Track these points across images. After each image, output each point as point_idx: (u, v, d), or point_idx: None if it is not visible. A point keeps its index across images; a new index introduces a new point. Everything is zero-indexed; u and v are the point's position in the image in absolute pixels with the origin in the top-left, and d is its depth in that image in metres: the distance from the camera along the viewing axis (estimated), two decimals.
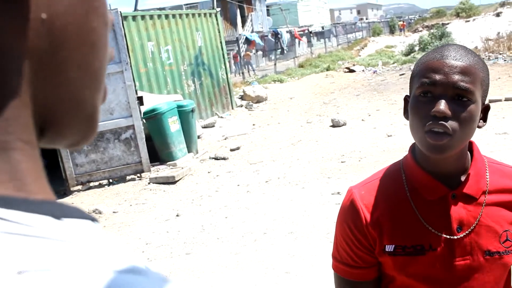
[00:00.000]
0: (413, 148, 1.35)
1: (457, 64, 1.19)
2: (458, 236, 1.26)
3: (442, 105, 1.16)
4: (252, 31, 31.11)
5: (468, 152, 1.31)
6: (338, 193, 6.35)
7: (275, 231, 5.57)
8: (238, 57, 23.10)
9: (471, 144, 1.32)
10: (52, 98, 0.38)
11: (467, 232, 1.26)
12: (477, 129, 1.24)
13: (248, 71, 22.74)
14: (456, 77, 1.18)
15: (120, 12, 8.57)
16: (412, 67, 18.16)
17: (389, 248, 1.31)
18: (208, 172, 8.51)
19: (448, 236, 1.27)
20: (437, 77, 1.18)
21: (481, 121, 1.26)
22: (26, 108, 0.36)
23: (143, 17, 10.92)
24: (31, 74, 0.36)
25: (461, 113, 1.17)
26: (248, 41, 24.98)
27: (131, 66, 8.53)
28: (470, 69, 1.19)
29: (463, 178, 1.28)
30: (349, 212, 1.36)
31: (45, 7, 0.36)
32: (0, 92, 0.35)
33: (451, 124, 1.17)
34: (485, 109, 1.28)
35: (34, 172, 0.37)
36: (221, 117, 13.05)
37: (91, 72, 0.40)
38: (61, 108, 0.39)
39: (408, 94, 1.32)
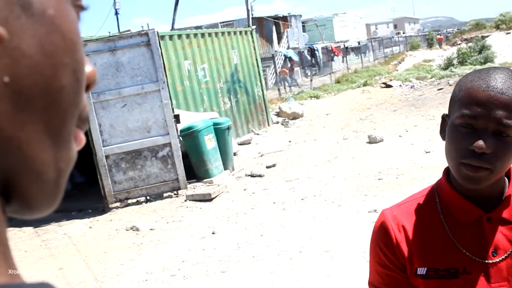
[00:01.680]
0: (447, 170, 1.33)
1: (502, 98, 1.14)
2: (494, 261, 1.23)
3: (482, 142, 1.13)
4: (288, 48, 31.21)
5: (506, 177, 1.28)
6: (375, 210, 6.27)
7: (311, 250, 5.53)
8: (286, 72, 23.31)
9: (508, 169, 1.29)
10: (11, 163, 0.36)
11: (503, 256, 1.23)
12: None
13: (285, 87, 22.79)
14: (500, 113, 1.13)
15: (157, 32, 8.73)
16: (450, 82, 17.82)
17: (421, 271, 1.28)
18: (244, 190, 8.53)
19: (483, 260, 1.24)
20: (480, 110, 1.14)
21: None
22: None
23: (179, 36, 11.11)
24: None
25: (501, 151, 1.15)
26: (289, 58, 25.09)
27: (167, 84, 8.66)
28: None
29: (499, 202, 1.26)
30: (379, 233, 1.35)
31: (8, 69, 0.34)
32: None
33: (489, 159, 1.14)
34: None
35: None
36: (257, 134, 13.09)
37: (56, 132, 0.38)
38: (21, 174, 0.37)
39: (447, 113, 1.29)
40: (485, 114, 1.14)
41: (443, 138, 1.27)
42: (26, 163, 0.36)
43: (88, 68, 0.41)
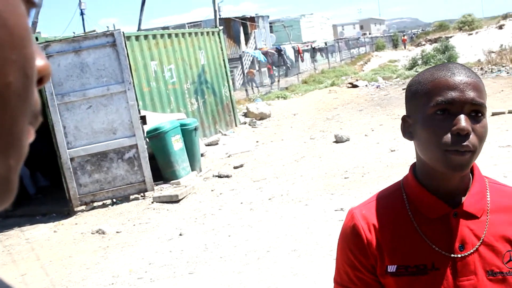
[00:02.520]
0: (413, 167, 1.34)
1: (470, 80, 1.20)
2: (461, 255, 1.25)
3: (464, 121, 1.16)
4: (256, 48, 31.27)
5: (470, 173, 1.31)
6: (342, 209, 6.32)
7: (278, 249, 5.55)
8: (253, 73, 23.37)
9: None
10: None
11: (471, 251, 1.25)
12: None
13: (252, 88, 22.82)
14: (472, 93, 1.18)
15: (123, 32, 8.64)
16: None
17: (391, 268, 1.29)
18: (212, 190, 8.50)
19: (451, 255, 1.25)
20: (454, 94, 1.18)
21: None
22: None
23: (146, 36, 11.01)
24: None
25: (478, 129, 1.18)
26: (258, 61, 25.16)
27: (134, 85, 8.57)
28: (479, 85, 1.21)
29: (464, 197, 1.28)
30: (349, 233, 1.35)
31: None
32: None
33: (471, 140, 1.17)
34: None
35: None
36: (225, 134, 13.08)
37: (5, 130, 0.37)
38: None
39: (407, 114, 1.31)
40: (459, 96, 1.18)
41: (410, 139, 1.29)
42: None
43: (40, 62, 0.40)
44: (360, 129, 11.95)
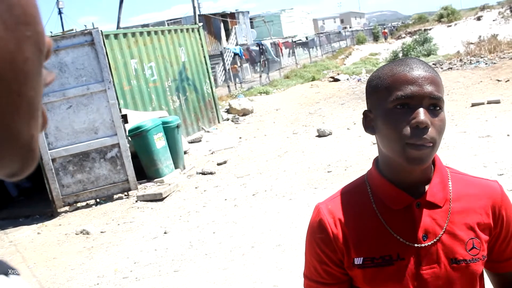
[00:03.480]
0: (376, 161, 1.37)
1: (428, 75, 1.22)
2: (425, 244, 1.28)
3: (423, 115, 1.19)
4: (237, 44, 31.23)
5: (431, 163, 1.33)
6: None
7: (263, 245, 5.57)
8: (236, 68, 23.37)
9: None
10: None
11: (434, 240, 1.28)
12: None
13: (235, 84, 22.82)
14: (430, 87, 1.21)
15: (101, 31, 8.57)
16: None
17: (358, 261, 1.32)
18: (196, 188, 8.49)
19: (415, 245, 1.28)
20: (413, 88, 1.21)
21: None
22: None
23: (125, 34, 10.93)
24: None
25: (437, 122, 1.21)
26: (238, 55, 25.13)
27: (114, 84, 8.52)
28: (437, 79, 1.24)
29: (426, 188, 1.30)
30: (316, 228, 1.37)
31: None
32: None
33: (430, 134, 1.19)
34: None
35: None
36: (208, 131, 13.06)
37: (26, 101, 0.40)
38: (1, 144, 0.39)
39: (368, 108, 1.33)
40: (418, 91, 1.21)
41: (371, 133, 1.31)
42: (2, 131, 0.39)
43: (46, 37, 0.43)
44: (342, 122, 12.01)
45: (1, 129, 0.38)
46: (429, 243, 1.28)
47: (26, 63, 0.39)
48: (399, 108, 1.22)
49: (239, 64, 25.25)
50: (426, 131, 1.19)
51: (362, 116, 1.36)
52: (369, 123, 1.33)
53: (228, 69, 23.25)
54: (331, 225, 1.34)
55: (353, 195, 1.38)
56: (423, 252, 1.28)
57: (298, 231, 5.72)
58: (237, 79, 23.49)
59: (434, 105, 1.22)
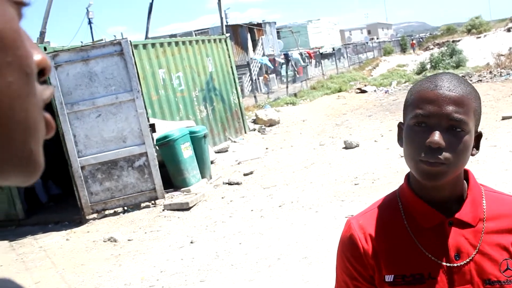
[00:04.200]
0: (408, 176, 1.36)
1: (451, 95, 1.20)
2: (457, 264, 1.26)
3: (437, 136, 1.18)
4: (263, 55, 31.33)
5: (465, 181, 1.32)
6: (352, 216, 6.30)
7: (289, 257, 5.55)
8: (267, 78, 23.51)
9: (467, 173, 1.33)
10: None
11: (466, 260, 1.26)
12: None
13: (267, 93, 22.94)
14: (450, 108, 1.19)
15: (130, 41, 8.69)
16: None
17: (388, 278, 1.30)
18: (222, 198, 8.51)
19: (447, 264, 1.26)
20: (431, 108, 1.20)
21: (474, 149, 1.29)
22: None
23: (153, 45, 11.07)
24: None
25: (455, 144, 1.19)
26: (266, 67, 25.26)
27: (142, 94, 8.62)
28: (463, 100, 1.21)
29: (459, 206, 1.29)
30: (347, 243, 1.37)
31: None
32: None
33: (445, 155, 1.18)
34: (478, 137, 1.31)
35: None
36: (234, 141, 13.10)
37: (16, 124, 0.40)
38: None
39: (402, 121, 1.34)
40: (436, 111, 1.20)
41: (401, 145, 1.31)
42: (4, 151, 0.40)
43: (37, 56, 0.43)
44: (370, 134, 11.93)
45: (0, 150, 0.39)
46: (462, 263, 1.26)
47: (9, 88, 0.39)
48: (417, 126, 1.22)
49: (269, 74, 25.32)
50: (440, 152, 1.18)
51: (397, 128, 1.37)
52: (400, 136, 1.33)
53: (255, 79, 23.33)
54: (362, 241, 1.34)
55: (385, 211, 1.37)
56: (455, 271, 1.26)
57: (325, 244, 5.68)
58: (267, 89, 23.57)
59: (455, 126, 1.20)
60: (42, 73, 0.44)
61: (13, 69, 0.39)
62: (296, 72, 27.68)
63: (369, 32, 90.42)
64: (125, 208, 8.62)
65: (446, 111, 1.19)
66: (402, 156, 7.13)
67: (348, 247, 1.36)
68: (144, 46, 10.73)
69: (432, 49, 40.37)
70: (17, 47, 0.39)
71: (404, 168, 8.32)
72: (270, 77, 27.29)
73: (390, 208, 1.36)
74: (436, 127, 1.20)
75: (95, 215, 8.52)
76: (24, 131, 0.41)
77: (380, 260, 1.32)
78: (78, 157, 8.36)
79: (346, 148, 10.77)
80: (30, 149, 0.42)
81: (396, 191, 1.39)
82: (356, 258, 1.34)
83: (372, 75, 31.70)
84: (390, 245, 1.32)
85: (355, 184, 7.97)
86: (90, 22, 35.13)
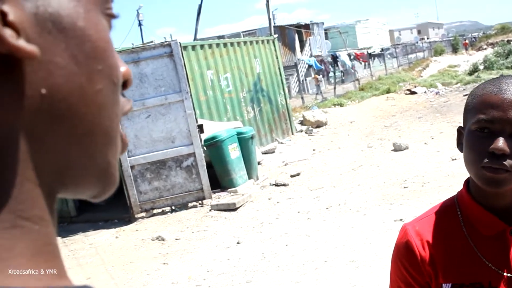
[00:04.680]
0: (467, 182, 1.32)
1: None
2: None
3: (501, 142, 1.14)
4: (311, 56, 31.19)
5: None
6: (401, 219, 6.19)
7: (336, 260, 5.49)
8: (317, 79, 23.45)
9: None
10: (63, 164, 0.39)
11: None
12: None
13: (318, 94, 22.87)
14: None
15: (180, 43, 8.81)
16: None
17: (446, 286, 1.27)
18: (269, 199, 8.52)
19: (508, 275, 1.22)
20: (495, 113, 1.16)
21: None
22: (28, 182, 0.37)
23: (202, 46, 11.18)
24: (32, 148, 0.37)
25: None
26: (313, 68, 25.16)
27: (191, 94, 8.72)
28: None
29: None
30: (403, 250, 1.34)
31: (43, 81, 0.36)
32: None
33: (510, 162, 1.14)
34: None
35: (32, 249, 0.37)
36: (281, 142, 13.08)
37: (101, 132, 0.41)
38: (74, 172, 0.40)
39: (462, 125, 1.30)
40: (500, 116, 1.16)
41: (461, 150, 1.28)
42: (79, 161, 0.40)
43: (122, 68, 0.44)
44: (419, 137, 11.69)
45: (76, 159, 0.40)
46: None
47: (97, 95, 0.40)
48: (479, 131, 1.18)
49: (312, 76, 25.21)
50: (504, 158, 1.14)
51: (456, 132, 1.34)
52: (460, 140, 1.29)
53: (302, 80, 23.26)
54: (419, 247, 1.30)
55: (442, 217, 1.33)
56: None
57: (373, 248, 5.60)
58: (318, 90, 23.48)
59: None
60: (124, 85, 0.46)
61: (103, 77, 0.40)
62: (343, 73, 27.44)
63: (419, 32, 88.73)
64: (173, 207, 8.74)
65: (511, 117, 1.15)
66: (453, 159, 7.00)
67: (404, 254, 1.33)
68: (193, 47, 10.85)
69: (485, 49, 39.27)
70: (108, 57, 0.40)
71: (455, 172, 8.15)
72: (318, 78, 27.12)
73: (448, 215, 1.33)
74: (500, 133, 1.16)
75: (143, 214, 8.68)
76: (106, 142, 0.42)
77: (437, 268, 1.28)
78: (128, 157, 8.53)
79: (395, 150, 10.59)
80: (109, 161, 0.43)
81: (454, 197, 1.35)
82: (413, 265, 1.31)
83: (422, 76, 31.07)
84: (448, 252, 1.28)
85: (404, 187, 7.82)
86: (140, 24, 35.86)
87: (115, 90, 0.42)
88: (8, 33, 0.33)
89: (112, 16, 0.43)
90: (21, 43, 0.34)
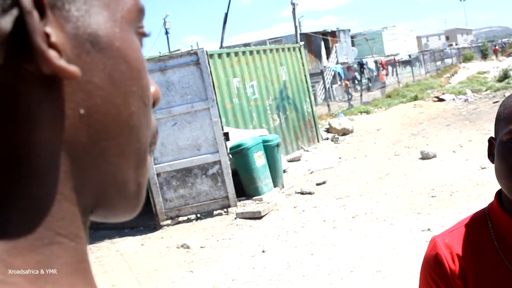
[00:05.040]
0: (499, 194, 1.28)
1: None
2: None
3: None
4: (337, 63, 31.06)
5: None
6: (429, 229, 6.09)
7: (362, 270, 5.42)
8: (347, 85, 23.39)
9: None
10: (97, 185, 0.40)
11: None
12: None
13: (348, 100, 22.78)
14: None
15: (206, 51, 8.86)
16: (506, 94, 17.30)
17: None
18: (294, 207, 8.47)
19: None
20: None
21: None
22: (66, 200, 0.37)
23: (228, 54, 11.22)
24: (70, 167, 0.37)
25: None
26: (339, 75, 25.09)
27: (217, 102, 8.75)
28: None
29: None
30: (432, 262, 1.30)
31: (82, 102, 0.37)
32: (38, 188, 0.36)
33: None
34: None
35: (70, 265, 0.37)
36: (307, 150, 13.02)
37: (132, 153, 0.41)
38: (107, 192, 0.41)
39: (493, 135, 1.26)
40: None
41: (492, 162, 1.24)
42: (111, 182, 0.40)
43: (152, 88, 0.45)
44: (448, 145, 11.51)
45: (109, 179, 0.40)
46: None
47: (131, 117, 0.40)
48: (511, 142, 1.15)
49: (338, 83, 25.09)
50: None
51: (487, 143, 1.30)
52: (491, 151, 1.26)
53: (328, 87, 23.17)
54: (449, 260, 1.27)
55: (473, 230, 1.30)
56: None
57: (400, 258, 5.51)
58: (348, 96, 23.39)
59: None
60: (153, 105, 0.46)
61: (136, 99, 0.40)
62: (369, 81, 27.24)
63: (447, 38, 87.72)
64: (198, 215, 8.76)
65: None
66: (483, 168, 6.85)
67: (434, 267, 1.30)
68: (219, 55, 10.90)
69: None
70: (141, 78, 0.41)
71: (484, 181, 7.99)
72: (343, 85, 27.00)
73: (478, 227, 1.29)
74: None
75: (169, 222, 8.71)
76: (137, 163, 0.42)
77: (468, 281, 1.25)
78: (154, 164, 8.59)
79: (422, 158, 10.44)
80: (139, 182, 0.43)
81: (485, 209, 1.32)
82: (442, 278, 1.27)
83: (450, 83, 30.66)
84: (479, 266, 1.24)
85: (432, 196, 7.69)
86: (167, 32, 36.20)
87: (147, 111, 0.42)
88: (53, 54, 0.34)
89: (144, 35, 0.43)
90: (64, 64, 0.34)
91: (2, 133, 0.34)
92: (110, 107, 0.38)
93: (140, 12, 0.42)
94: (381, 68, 29.14)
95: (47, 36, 0.34)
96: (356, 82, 26.90)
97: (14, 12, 0.33)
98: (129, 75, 0.39)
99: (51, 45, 0.34)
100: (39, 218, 0.36)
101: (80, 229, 0.39)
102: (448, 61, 45.76)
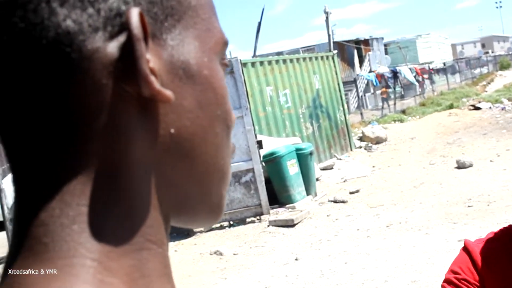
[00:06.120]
0: None
1: None
2: None
3: None
4: (370, 71, 30.84)
5: None
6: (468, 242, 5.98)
7: (397, 279, 5.36)
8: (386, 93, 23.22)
9: None
10: (182, 197, 0.44)
11: None
12: None
13: (384, 108, 22.56)
14: None
15: (240, 60, 8.93)
16: None
17: None
18: (327, 216, 8.43)
19: None
20: None
21: None
22: (155, 210, 0.41)
23: (261, 63, 11.28)
24: (160, 179, 0.41)
25: None
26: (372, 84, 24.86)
27: (250, 111, 8.80)
28: None
29: None
30: (462, 271, 1.29)
31: (173, 122, 0.40)
32: (130, 199, 0.39)
33: None
34: None
35: (159, 270, 0.41)
36: (340, 159, 12.96)
37: (216, 170, 0.45)
38: (190, 203, 0.45)
39: None
40: None
41: None
42: (195, 194, 0.44)
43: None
44: (484, 154, 11.30)
45: (194, 192, 0.44)
46: None
47: (216, 137, 0.44)
48: None
49: (372, 91, 24.90)
50: None
51: None
52: None
53: (361, 96, 23.02)
54: (479, 269, 1.25)
55: (507, 240, 1.28)
56: None
57: (435, 268, 5.43)
58: (387, 103, 23.17)
59: None
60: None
61: (220, 122, 0.44)
62: (403, 89, 26.94)
63: (483, 46, 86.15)
64: (231, 222, 8.80)
65: None
66: None
67: (463, 275, 1.28)
68: (253, 64, 10.97)
69: None
70: (225, 103, 0.45)
71: None
72: (377, 93, 26.77)
73: None
74: None
75: (202, 228, 8.77)
76: (220, 178, 0.46)
77: None
78: None
79: (458, 167, 10.27)
80: (222, 194, 0.47)
81: None
82: (472, 286, 1.26)
83: (486, 91, 30.09)
84: (510, 278, 1.22)
85: (469, 206, 7.56)
86: None
87: (229, 133, 0.47)
88: (153, 79, 0.37)
89: (226, 66, 0.47)
90: (161, 88, 0.38)
91: (102, 147, 0.38)
92: (197, 128, 0.42)
93: (225, 44, 0.46)
94: (421, 77, 28.78)
95: (147, 62, 0.37)
96: (390, 90, 26.61)
97: (121, 39, 0.37)
98: (214, 100, 0.43)
99: (150, 70, 0.38)
100: (133, 225, 0.39)
101: (164, 236, 0.42)
102: (484, 69, 44.92)
